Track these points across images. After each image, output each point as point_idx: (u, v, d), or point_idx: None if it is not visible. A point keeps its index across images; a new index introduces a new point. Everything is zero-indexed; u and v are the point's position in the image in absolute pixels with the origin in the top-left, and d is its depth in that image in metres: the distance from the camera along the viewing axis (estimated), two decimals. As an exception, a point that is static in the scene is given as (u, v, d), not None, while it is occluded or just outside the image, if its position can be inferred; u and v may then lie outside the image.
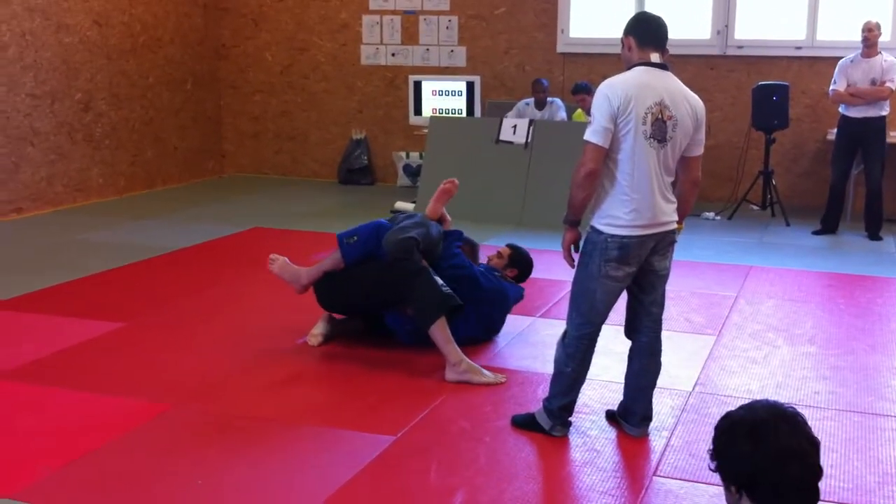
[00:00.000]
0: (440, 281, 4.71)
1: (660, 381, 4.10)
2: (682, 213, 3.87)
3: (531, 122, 8.76)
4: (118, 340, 5.20)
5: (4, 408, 4.28)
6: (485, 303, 5.07)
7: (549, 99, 9.23)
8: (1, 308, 5.77)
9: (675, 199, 3.81)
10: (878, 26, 8.00)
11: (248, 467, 3.68)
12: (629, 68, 3.76)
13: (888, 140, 8.22)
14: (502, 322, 5.27)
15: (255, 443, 3.91)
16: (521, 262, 5.42)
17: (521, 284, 5.44)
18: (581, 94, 8.80)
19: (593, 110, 3.70)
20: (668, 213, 3.77)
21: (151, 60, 10.15)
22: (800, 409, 2.22)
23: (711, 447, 2.25)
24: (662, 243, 3.80)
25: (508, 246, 5.50)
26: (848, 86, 8.04)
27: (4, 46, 8.39)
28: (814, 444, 2.13)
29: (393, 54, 10.67)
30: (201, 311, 5.78)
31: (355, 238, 4.85)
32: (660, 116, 3.65)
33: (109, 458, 3.77)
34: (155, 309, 5.80)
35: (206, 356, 4.97)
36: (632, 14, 3.91)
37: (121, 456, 3.79)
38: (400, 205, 8.89)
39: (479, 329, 5.12)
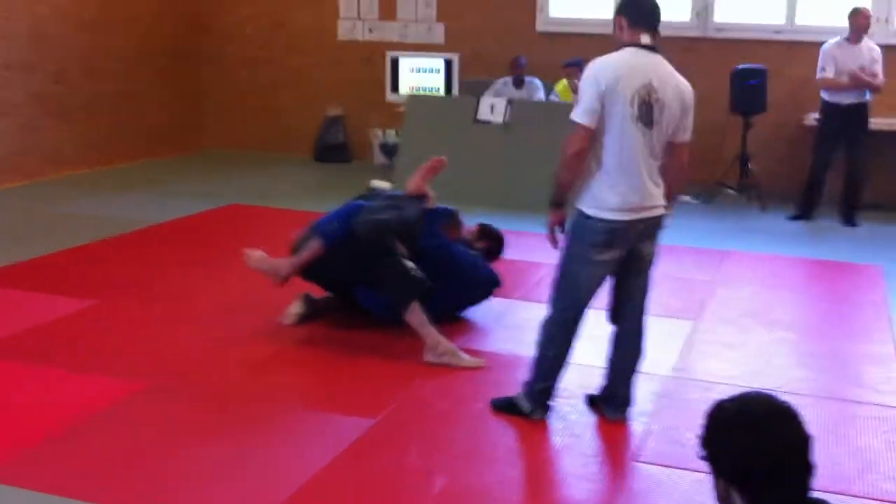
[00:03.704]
0: (410, 264, 4.69)
1: (638, 366, 4.09)
2: (668, 199, 3.83)
3: (509, 101, 8.71)
4: (91, 318, 5.12)
5: (-24, 385, 4.20)
6: (459, 276, 5.10)
7: (526, 78, 9.17)
8: (-29, 283, 5.67)
9: (662, 183, 3.77)
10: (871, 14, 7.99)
11: (228, 448, 3.63)
12: (619, 48, 3.71)
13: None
14: (475, 296, 5.26)
15: (234, 423, 3.86)
16: (491, 235, 5.58)
17: (496, 265, 5.47)
18: (573, 67, 8.69)
19: (581, 89, 3.66)
20: (657, 196, 3.74)
21: (128, 33, 9.96)
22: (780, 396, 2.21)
23: (702, 434, 2.22)
24: (651, 228, 3.77)
25: (478, 225, 5.63)
26: (836, 72, 7.99)
27: (-25, 15, 8.23)
28: (807, 441, 2.11)
29: (370, 30, 10.55)
30: (176, 289, 5.70)
31: (335, 224, 4.83)
32: (647, 99, 3.61)
33: (88, 436, 3.71)
34: (128, 285, 5.71)
35: (181, 335, 4.90)
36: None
37: (99, 434, 3.73)
38: (376, 183, 8.79)
39: (455, 298, 5.14)
